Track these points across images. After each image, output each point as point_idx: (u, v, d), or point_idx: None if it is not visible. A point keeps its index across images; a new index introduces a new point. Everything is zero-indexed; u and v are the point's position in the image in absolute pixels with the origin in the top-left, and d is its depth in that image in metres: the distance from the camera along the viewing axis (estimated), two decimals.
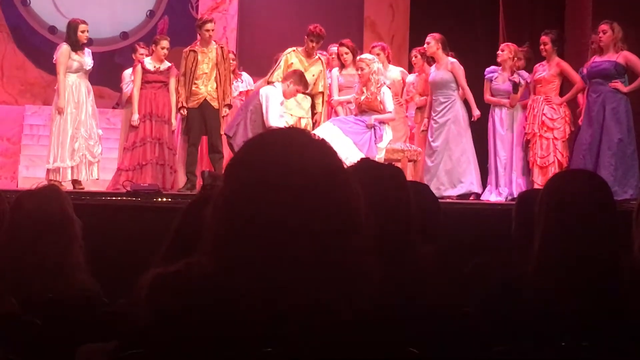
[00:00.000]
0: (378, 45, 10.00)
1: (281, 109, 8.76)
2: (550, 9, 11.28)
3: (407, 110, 9.99)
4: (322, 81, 9.40)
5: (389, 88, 8.98)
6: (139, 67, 9.49)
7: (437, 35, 9.42)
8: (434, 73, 9.40)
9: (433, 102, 9.41)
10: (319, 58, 9.44)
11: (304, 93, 9.19)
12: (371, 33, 13.06)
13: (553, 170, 8.59)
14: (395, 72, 10.00)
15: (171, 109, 9.38)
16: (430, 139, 9.36)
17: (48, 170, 9.11)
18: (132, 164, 9.26)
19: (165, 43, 9.45)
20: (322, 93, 9.40)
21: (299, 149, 1.48)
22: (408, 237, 2.32)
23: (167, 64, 9.51)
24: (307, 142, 1.51)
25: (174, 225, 2.28)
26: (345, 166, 1.54)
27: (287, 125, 8.47)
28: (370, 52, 9.82)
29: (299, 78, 8.81)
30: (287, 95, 8.85)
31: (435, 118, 9.35)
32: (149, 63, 9.46)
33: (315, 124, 9.27)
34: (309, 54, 9.34)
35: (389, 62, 10.01)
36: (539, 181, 8.68)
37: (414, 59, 10.19)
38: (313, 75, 9.30)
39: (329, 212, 1.43)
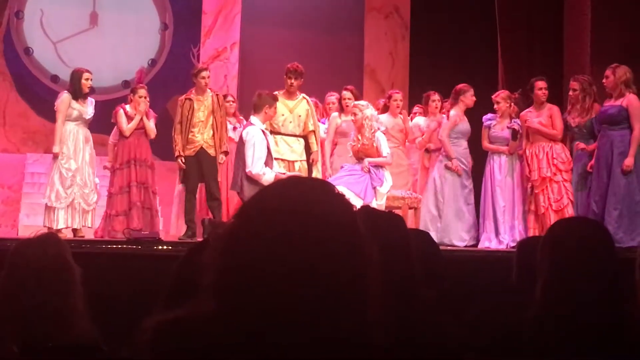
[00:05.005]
0: (400, 92, 10.10)
1: (273, 153, 8.55)
2: (549, 54, 11.37)
3: (405, 146, 9.98)
4: (312, 119, 9.20)
5: (384, 134, 9.00)
6: (121, 111, 9.53)
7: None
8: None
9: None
10: (303, 97, 9.26)
11: (295, 136, 9.17)
12: (371, 81, 13.16)
13: (569, 212, 8.50)
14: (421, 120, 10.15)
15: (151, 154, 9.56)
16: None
17: (45, 207, 9.15)
18: (122, 209, 9.31)
19: (142, 92, 9.58)
20: (314, 132, 9.22)
21: (316, 198, 1.48)
22: (410, 285, 2.31)
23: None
24: (324, 192, 1.50)
25: (174, 271, 2.28)
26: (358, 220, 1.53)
27: (279, 171, 8.44)
28: (390, 97, 9.89)
29: (269, 98, 8.51)
30: (271, 117, 8.64)
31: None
32: (130, 111, 9.53)
33: (312, 163, 9.18)
34: (291, 94, 9.16)
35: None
36: None
37: (432, 103, 10.19)
38: (300, 116, 9.13)
39: (341, 262, 1.43)
